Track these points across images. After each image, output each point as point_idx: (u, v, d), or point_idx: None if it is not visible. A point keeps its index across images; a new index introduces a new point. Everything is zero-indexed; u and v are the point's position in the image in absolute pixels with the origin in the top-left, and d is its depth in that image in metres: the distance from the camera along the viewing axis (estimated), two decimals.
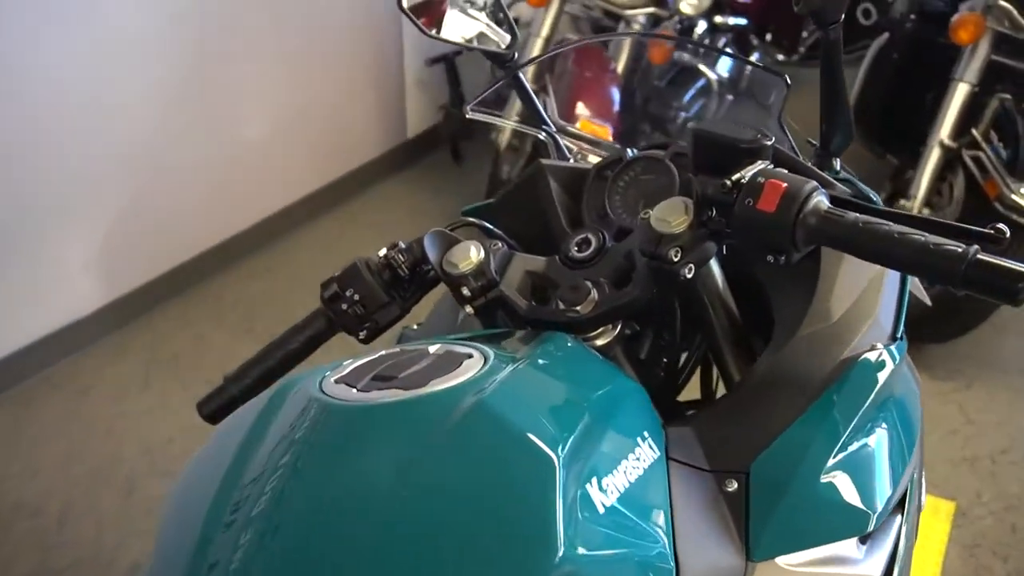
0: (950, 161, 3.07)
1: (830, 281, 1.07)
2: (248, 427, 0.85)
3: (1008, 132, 2.90)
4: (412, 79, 4.27)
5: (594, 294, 1.02)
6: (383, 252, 1.16)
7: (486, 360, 0.85)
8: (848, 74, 1.20)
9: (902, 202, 3.06)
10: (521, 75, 1.35)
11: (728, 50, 1.21)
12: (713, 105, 3.62)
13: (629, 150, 1.30)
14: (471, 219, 1.22)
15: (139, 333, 3.36)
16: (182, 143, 3.38)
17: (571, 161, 1.41)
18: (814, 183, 0.94)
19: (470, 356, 0.87)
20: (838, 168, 1.27)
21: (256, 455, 0.81)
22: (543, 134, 1.40)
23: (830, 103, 1.18)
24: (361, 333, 1.14)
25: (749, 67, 1.23)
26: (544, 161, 1.31)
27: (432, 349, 0.90)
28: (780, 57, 4.31)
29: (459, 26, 1.41)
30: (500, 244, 1.13)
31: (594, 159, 1.42)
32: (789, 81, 1.13)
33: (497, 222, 1.29)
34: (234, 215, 3.69)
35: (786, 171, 0.96)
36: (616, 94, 3.44)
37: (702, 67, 3.53)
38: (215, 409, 1.16)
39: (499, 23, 1.34)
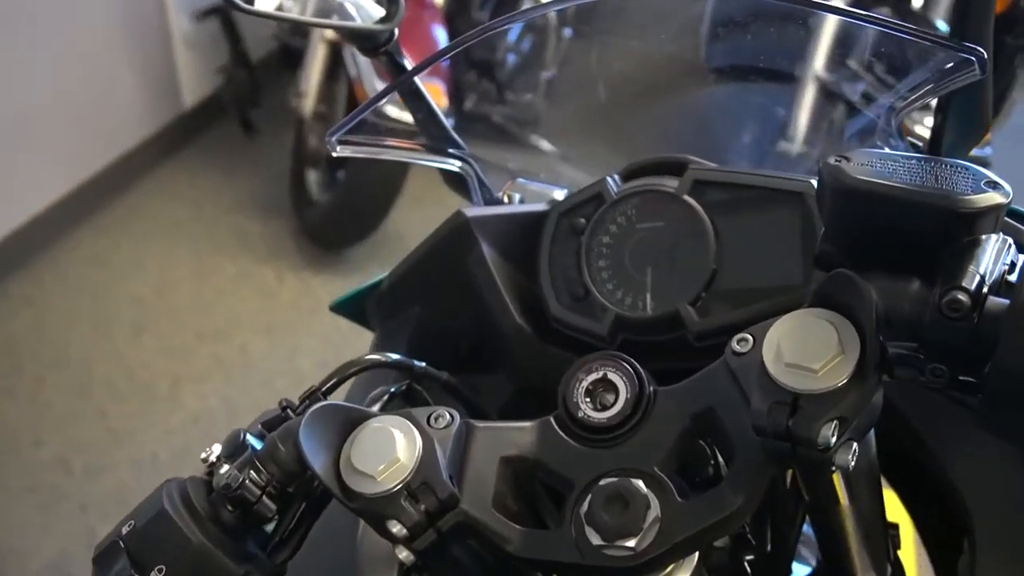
0: (828, 95, 2.72)
1: None
2: None
3: None
4: (181, 38, 3.55)
5: (655, 508, 0.56)
6: (212, 456, 0.60)
7: None
8: None
9: None
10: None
11: (889, 20, 0.72)
12: (551, 43, 3.09)
13: (609, 179, 0.78)
14: (374, 357, 0.68)
15: None
16: None
17: (505, 201, 0.87)
18: None
19: None
20: None
21: None
22: (456, 163, 0.84)
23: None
24: None
25: (932, 44, 0.74)
26: (468, 212, 0.78)
27: None
28: None
29: None
30: (447, 414, 0.59)
31: (535, 188, 0.88)
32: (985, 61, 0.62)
33: (395, 322, 0.76)
34: None
35: None
36: (441, 36, 2.86)
37: None
38: None
39: None
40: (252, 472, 0.57)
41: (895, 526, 0.79)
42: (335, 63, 2.99)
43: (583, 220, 0.77)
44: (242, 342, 2.77)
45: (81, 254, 3.11)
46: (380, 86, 2.38)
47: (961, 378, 0.51)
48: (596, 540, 0.55)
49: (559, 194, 0.88)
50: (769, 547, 0.72)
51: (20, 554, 2.22)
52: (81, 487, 2.36)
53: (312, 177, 3.19)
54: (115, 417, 2.53)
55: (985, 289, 0.48)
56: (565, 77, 2.85)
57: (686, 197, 0.74)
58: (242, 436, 0.60)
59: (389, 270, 0.83)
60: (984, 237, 0.50)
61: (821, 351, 0.51)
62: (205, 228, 3.24)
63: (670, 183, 0.76)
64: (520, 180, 0.88)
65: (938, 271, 0.50)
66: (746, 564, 0.71)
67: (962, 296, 0.48)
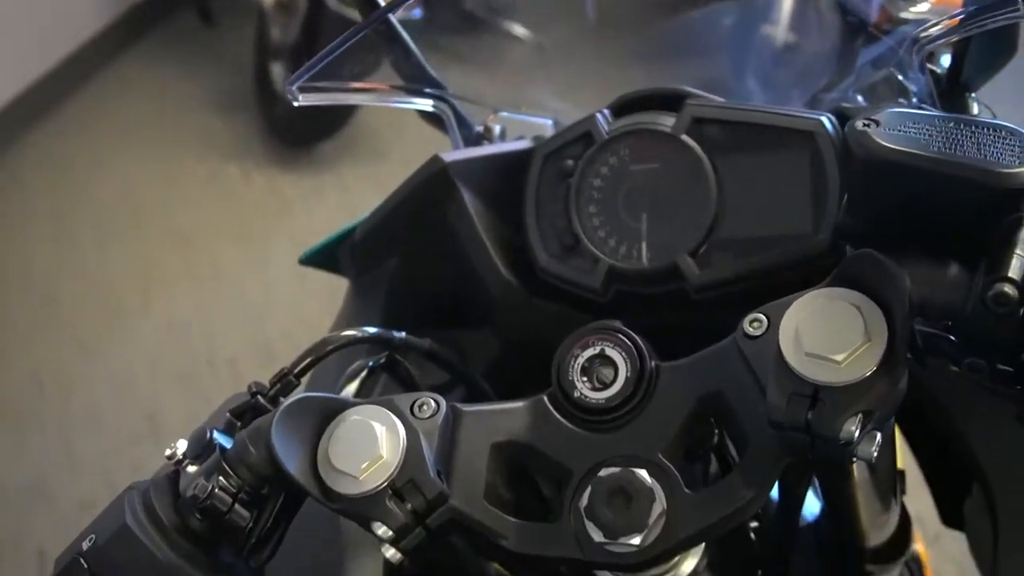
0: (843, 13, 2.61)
1: None
2: None
3: None
4: None
5: (661, 502, 0.51)
6: (176, 453, 0.55)
7: None
8: None
9: None
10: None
11: None
12: None
13: (599, 115, 0.71)
14: (350, 333, 0.62)
15: None
16: None
17: (484, 136, 0.80)
18: None
19: None
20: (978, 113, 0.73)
21: None
22: (431, 102, 0.77)
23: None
24: None
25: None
26: (446, 156, 0.71)
27: None
28: None
29: None
30: (432, 401, 0.54)
31: (518, 120, 0.81)
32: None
33: (370, 276, 0.71)
34: None
35: None
36: None
37: None
38: None
39: None
40: (221, 478, 0.52)
41: (901, 472, 0.76)
42: None
43: (571, 162, 0.70)
44: (211, 247, 2.68)
45: (37, 159, 2.97)
46: None
47: (999, 367, 0.46)
48: (598, 536, 0.51)
49: (544, 126, 0.81)
50: (775, 510, 0.69)
51: None
52: (55, 406, 2.30)
53: (276, 71, 3.04)
54: (85, 330, 2.46)
55: None
56: None
57: (684, 136, 0.68)
58: (209, 434, 0.54)
59: (360, 217, 0.77)
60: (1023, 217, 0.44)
61: (845, 339, 0.46)
62: (167, 126, 3.10)
63: (666, 120, 0.69)
64: (502, 113, 0.81)
65: (980, 255, 0.44)
66: (751, 532, 0.68)
67: (1009, 289, 0.42)
